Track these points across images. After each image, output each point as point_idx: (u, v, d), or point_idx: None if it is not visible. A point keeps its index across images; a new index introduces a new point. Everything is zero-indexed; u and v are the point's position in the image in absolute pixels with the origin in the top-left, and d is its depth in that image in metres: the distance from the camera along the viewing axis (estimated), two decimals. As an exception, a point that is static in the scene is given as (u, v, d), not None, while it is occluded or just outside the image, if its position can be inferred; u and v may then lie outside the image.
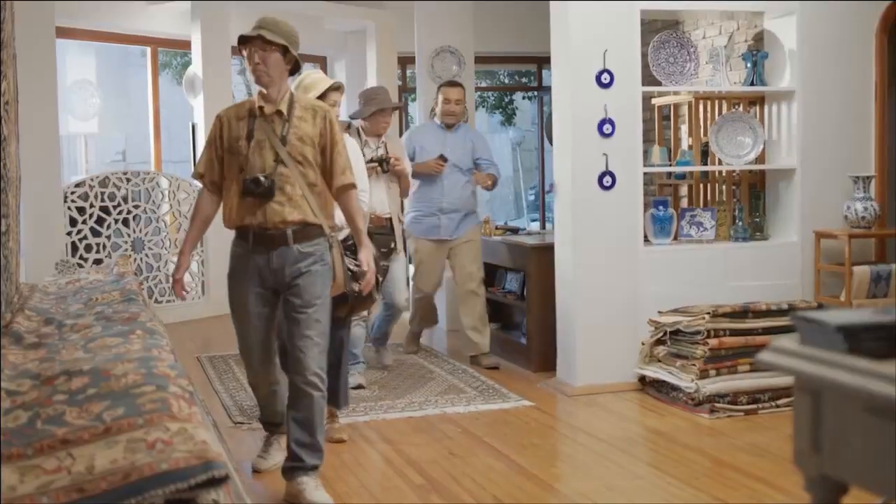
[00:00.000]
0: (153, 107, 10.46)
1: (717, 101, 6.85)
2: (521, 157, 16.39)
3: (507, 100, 15.55)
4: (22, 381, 2.76)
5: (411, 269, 7.25)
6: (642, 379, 5.98)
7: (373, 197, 5.75)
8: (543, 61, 11.89)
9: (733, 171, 6.65)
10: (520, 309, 7.21)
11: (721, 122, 6.43)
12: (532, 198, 16.03)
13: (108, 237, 8.74)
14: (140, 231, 8.98)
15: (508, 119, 15.86)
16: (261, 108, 4.07)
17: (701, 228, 6.33)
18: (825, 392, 2.05)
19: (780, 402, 5.47)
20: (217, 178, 4.17)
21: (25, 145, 5.31)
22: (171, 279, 4.06)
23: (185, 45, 9.99)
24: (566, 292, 6.06)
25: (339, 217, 4.33)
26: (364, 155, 5.72)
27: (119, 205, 8.82)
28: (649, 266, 6.02)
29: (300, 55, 4.15)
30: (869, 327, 1.99)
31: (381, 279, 4.90)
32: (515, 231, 7.83)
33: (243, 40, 4.06)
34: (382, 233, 6.07)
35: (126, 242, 8.87)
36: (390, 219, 6.20)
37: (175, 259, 9.18)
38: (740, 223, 6.41)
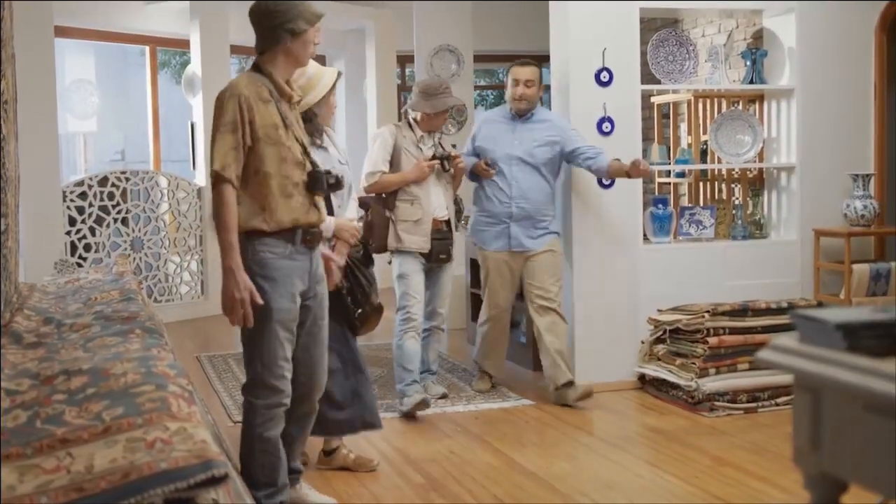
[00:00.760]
0: (152, 106, 10.46)
1: (716, 100, 6.84)
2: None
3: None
4: (21, 381, 2.76)
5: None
6: (642, 377, 5.98)
7: (431, 198, 5.56)
8: (543, 59, 11.89)
9: (732, 170, 6.65)
10: (519, 308, 7.20)
11: (720, 121, 6.43)
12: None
13: (108, 236, 8.74)
14: (139, 230, 8.98)
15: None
16: (290, 93, 3.72)
17: (700, 227, 6.33)
18: (825, 390, 2.05)
19: (779, 400, 5.47)
20: (240, 172, 3.53)
21: (24, 144, 5.31)
22: (231, 299, 3.48)
23: (184, 44, 9.99)
24: (566, 291, 6.05)
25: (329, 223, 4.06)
26: (422, 151, 5.59)
27: (118, 204, 8.81)
28: (649, 264, 6.01)
29: None
30: (868, 325, 1.99)
31: (365, 286, 4.46)
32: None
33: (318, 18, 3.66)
34: (440, 237, 5.63)
35: (125, 242, 8.87)
36: (448, 221, 5.72)
37: (174, 259, 9.23)
38: (740, 221, 6.41)
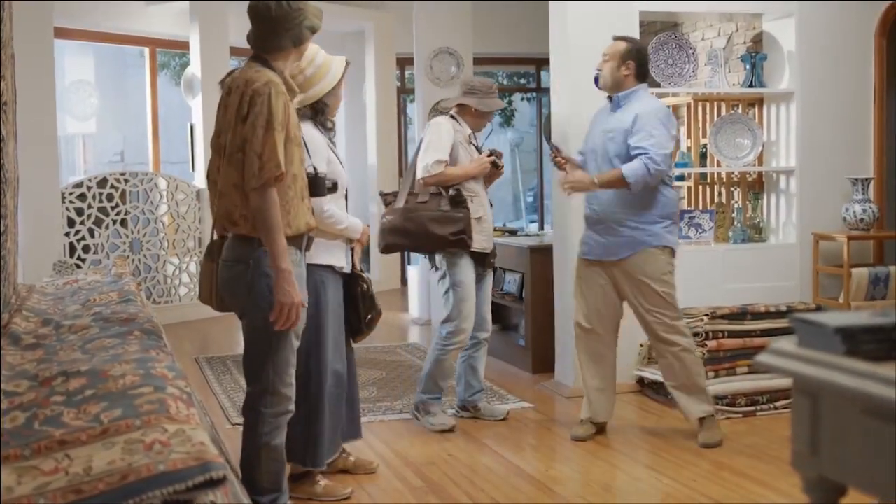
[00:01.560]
0: (151, 107, 10.46)
1: (715, 103, 6.85)
2: (520, 159, 16.40)
3: (505, 101, 15.55)
4: (20, 382, 2.75)
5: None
6: (641, 380, 5.98)
7: (484, 201, 5.33)
8: (542, 62, 11.93)
9: (732, 173, 6.65)
10: (518, 310, 7.21)
11: (720, 124, 6.43)
12: (531, 199, 16.02)
13: (107, 238, 8.74)
14: (138, 232, 8.98)
15: (507, 120, 15.86)
16: (296, 90, 3.69)
17: (700, 230, 6.33)
18: (824, 394, 2.05)
19: (778, 404, 5.47)
20: None
21: (24, 146, 5.30)
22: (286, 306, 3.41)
23: (184, 45, 10.00)
24: (564, 294, 6.05)
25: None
26: (472, 148, 5.35)
27: (117, 205, 8.82)
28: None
29: None
30: (867, 329, 1.99)
31: None
32: (514, 232, 7.83)
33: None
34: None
35: (124, 243, 8.87)
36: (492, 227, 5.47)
37: (173, 260, 9.23)
38: (739, 225, 6.42)
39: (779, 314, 5.58)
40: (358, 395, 4.61)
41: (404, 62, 11.54)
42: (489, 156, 5.32)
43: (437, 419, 5.27)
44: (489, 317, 5.50)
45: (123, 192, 8.87)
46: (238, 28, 9.79)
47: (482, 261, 5.35)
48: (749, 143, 6.39)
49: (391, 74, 11.24)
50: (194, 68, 9.68)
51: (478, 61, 10.06)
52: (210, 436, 2.52)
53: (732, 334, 5.52)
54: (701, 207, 6.78)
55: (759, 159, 6.50)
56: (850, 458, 1.99)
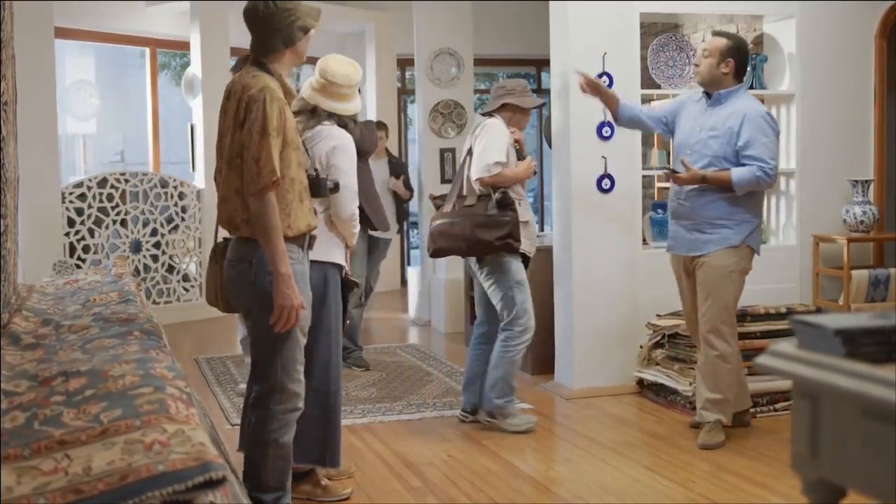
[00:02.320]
0: (152, 108, 10.46)
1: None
2: (520, 160, 16.41)
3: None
4: (19, 382, 2.75)
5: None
6: (640, 382, 5.98)
7: (527, 204, 5.35)
8: (543, 64, 11.93)
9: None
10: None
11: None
12: (531, 200, 16.00)
13: (106, 238, 8.74)
14: (138, 232, 8.98)
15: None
16: (293, 92, 3.71)
17: (699, 232, 6.32)
18: (823, 396, 2.04)
19: (777, 405, 5.47)
20: None
21: (24, 146, 5.30)
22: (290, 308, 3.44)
23: (184, 45, 10.01)
24: (564, 295, 6.06)
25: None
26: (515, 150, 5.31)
27: (117, 205, 8.82)
28: (648, 269, 6.01)
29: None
30: (867, 331, 1.99)
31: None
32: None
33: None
34: None
35: (124, 243, 8.87)
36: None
37: (174, 261, 9.23)
38: (739, 226, 6.40)
39: (779, 316, 5.58)
40: None
41: (405, 63, 11.54)
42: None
43: (520, 419, 5.28)
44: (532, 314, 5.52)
45: (123, 192, 8.87)
46: (238, 29, 9.77)
47: (526, 263, 5.36)
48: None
49: (391, 75, 11.24)
50: (195, 69, 9.68)
51: (478, 62, 10.06)
52: (210, 436, 2.52)
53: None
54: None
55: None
56: (850, 460, 1.99)
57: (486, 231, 5.09)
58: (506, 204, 5.12)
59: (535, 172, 5.39)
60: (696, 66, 5.04)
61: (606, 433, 5.20)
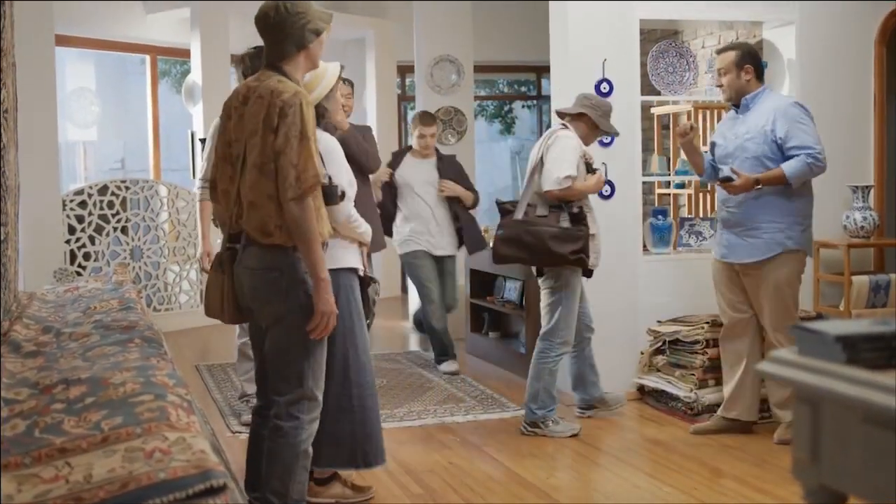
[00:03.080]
0: (152, 115, 10.47)
1: (716, 111, 6.86)
2: (521, 166, 16.40)
3: (506, 108, 15.58)
4: (20, 390, 2.76)
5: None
6: (641, 388, 5.98)
7: (595, 217, 5.32)
8: (543, 70, 11.94)
9: (732, 181, 6.64)
10: (519, 318, 7.21)
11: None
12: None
13: (107, 245, 8.74)
14: (139, 239, 8.98)
15: (508, 128, 15.88)
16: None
17: (700, 238, 6.33)
18: (824, 402, 2.05)
19: (778, 411, 5.46)
20: None
21: (24, 153, 5.31)
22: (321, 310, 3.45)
23: (185, 53, 10.02)
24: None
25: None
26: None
27: (118, 213, 8.82)
28: (648, 275, 6.01)
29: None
30: (868, 337, 1.99)
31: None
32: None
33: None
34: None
35: (125, 251, 8.87)
36: None
37: (173, 268, 9.23)
38: (739, 232, 6.40)
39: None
40: None
41: (405, 70, 11.55)
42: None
43: (563, 426, 5.28)
44: (591, 313, 5.59)
45: (124, 199, 8.87)
46: (239, 36, 9.81)
47: (588, 275, 5.40)
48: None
49: (392, 82, 11.25)
50: (195, 76, 9.69)
51: (478, 69, 10.08)
52: (210, 444, 2.52)
53: (733, 342, 5.51)
54: (701, 215, 6.78)
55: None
56: (851, 466, 1.99)
57: (560, 244, 5.08)
58: (579, 219, 5.14)
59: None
60: (720, 87, 5.12)
61: (607, 440, 5.20)
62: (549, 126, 7.38)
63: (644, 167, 6.29)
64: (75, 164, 12.62)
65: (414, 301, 9.38)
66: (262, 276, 3.48)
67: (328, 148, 3.99)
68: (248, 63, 4.97)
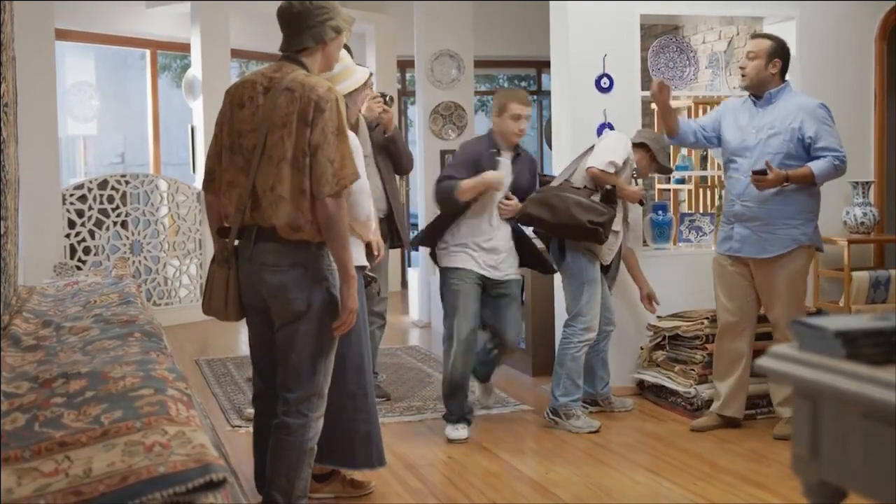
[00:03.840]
0: (152, 109, 10.47)
1: (716, 106, 6.85)
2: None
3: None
4: (20, 384, 2.76)
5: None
6: (641, 383, 5.98)
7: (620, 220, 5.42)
8: (543, 65, 11.93)
9: (732, 176, 6.64)
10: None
11: (720, 127, 6.42)
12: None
13: (107, 240, 8.74)
14: (138, 234, 8.98)
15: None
16: None
17: (700, 233, 6.33)
18: (824, 398, 2.04)
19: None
20: None
21: (24, 147, 5.31)
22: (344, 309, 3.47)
23: (185, 47, 10.01)
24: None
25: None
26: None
27: (118, 207, 8.82)
28: (648, 271, 6.00)
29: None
30: (868, 333, 1.99)
31: None
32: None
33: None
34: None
35: (124, 245, 8.87)
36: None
37: (173, 262, 9.23)
38: (739, 228, 6.40)
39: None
40: None
41: (405, 64, 11.55)
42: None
43: (582, 421, 5.27)
44: (613, 307, 5.64)
45: (124, 193, 8.87)
46: (239, 30, 9.82)
47: (605, 270, 5.49)
48: (750, 147, 6.38)
49: (392, 77, 11.24)
50: (195, 70, 9.68)
51: (479, 64, 10.07)
52: (210, 438, 2.52)
53: (733, 337, 5.51)
54: (701, 210, 6.79)
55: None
56: (851, 462, 1.99)
57: (583, 211, 5.09)
58: (610, 199, 5.18)
59: (641, 203, 5.60)
60: (742, 69, 5.08)
61: (607, 435, 5.20)
62: (549, 121, 7.38)
63: (644, 162, 6.28)
64: (75, 158, 12.61)
65: (414, 299, 9.39)
66: (286, 273, 3.42)
67: (354, 146, 4.01)
68: None
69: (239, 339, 8.07)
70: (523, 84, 14.29)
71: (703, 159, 6.75)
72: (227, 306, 3.58)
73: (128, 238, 8.91)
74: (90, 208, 8.64)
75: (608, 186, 5.18)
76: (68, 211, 8.50)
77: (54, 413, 2.44)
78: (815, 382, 2.01)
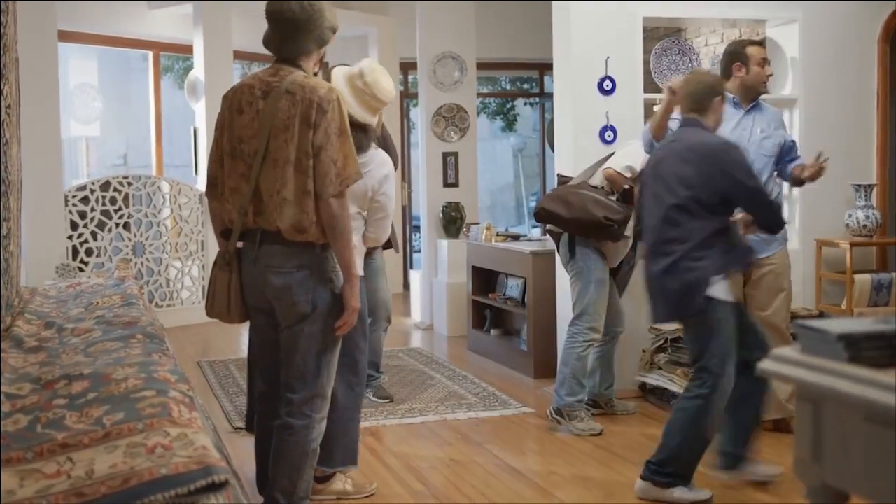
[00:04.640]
0: (155, 111, 10.47)
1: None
2: (523, 164, 16.39)
3: (508, 106, 15.55)
4: (22, 385, 2.76)
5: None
6: (643, 386, 5.98)
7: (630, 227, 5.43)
8: (545, 68, 11.93)
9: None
10: (520, 315, 7.21)
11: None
12: (533, 204, 16.01)
13: (109, 241, 8.75)
14: (141, 235, 8.99)
15: (510, 125, 15.85)
16: None
17: (702, 236, 6.31)
18: (826, 401, 2.04)
19: (780, 410, 5.46)
20: None
21: (27, 149, 5.30)
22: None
23: (187, 49, 10.01)
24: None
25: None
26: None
27: (120, 209, 8.83)
28: (650, 273, 6.00)
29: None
30: (870, 336, 1.99)
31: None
32: (516, 237, 7.83)
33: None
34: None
35: (127, 246, 8.88)
36: None
37: (175, 264, 9.24)
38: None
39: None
40: None
41: (407, 67, 11.54)
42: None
43: (585, 424, 5.27)
44: (623, 311, 5.64)
45: (126, 195, 8.88)
46: (242, 32, 9.81)
47: (614, 273, 5.52)
48: (752, 149, 6.38)
49: (394, 79, 11.25)
50: (198, 72, 9.69)
51: (481, 66, 10.06)
52: (212, 440, 2.52)
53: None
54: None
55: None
56: (853, 464, 1.99)
57: (599, 208, 5.16)
58: (626, 200, 5.23)
59: None
60: (770, 76, 5.16)
61: (609, 437, 5.20)
62: (551, 123, 7.38)
63: (646, 165, 6.28)
64: (78, 159, 12.61)
65: (416, 301, 9.39)
66: (292, 275, 3.42)
67: (391, 173, 4.12)
68: None
69: (241, 340, 8.06)
70: (525, 86, 14.29)
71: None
72: (229, 309, 3.59)
73: (130, 239, 8.92)
74: (93, 210, 8.64)
75: (626, 186, 5.21)
76: (71, 212, 8.51)
77: (56, 415, 2.44)
78: (818, 385, 2.01)
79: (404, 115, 11.98)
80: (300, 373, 3.51)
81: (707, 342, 4.05)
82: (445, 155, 9.30)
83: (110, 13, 9.90)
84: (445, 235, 8.96)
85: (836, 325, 2.05)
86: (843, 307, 6.04)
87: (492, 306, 7.64)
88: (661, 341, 5.77)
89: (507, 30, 11.61)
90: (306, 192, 3.34)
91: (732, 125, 5.06)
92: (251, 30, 10.85)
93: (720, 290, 4.03)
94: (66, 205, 8.46)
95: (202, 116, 9.58)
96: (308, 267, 3.43)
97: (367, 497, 4.28)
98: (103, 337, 3.49)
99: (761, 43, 5.43)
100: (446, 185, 9.22)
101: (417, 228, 11.92)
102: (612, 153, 5.45)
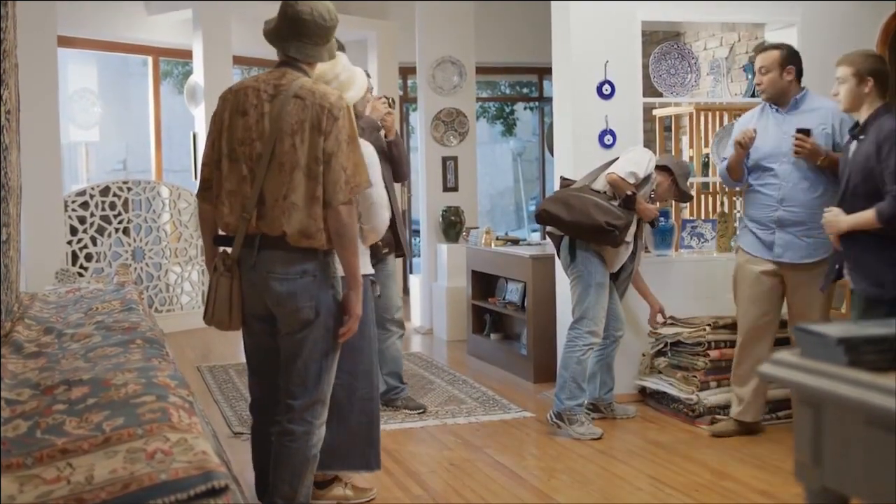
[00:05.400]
0: (154, 116, 10.48)
1: (717, 113, 6.85)
2: (522, 168, 16.39)
3: (507, 110, 15.56)
4: (22, 391, 2.76)
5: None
6: (643, 390, 5.97)
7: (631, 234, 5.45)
8: (544, 72, 11.94)
9: (734, 183, 6.63)
10: (520, 320, 7.21)
11: (722, 134, 6.42)
12: (533, 208, 16.01)
13: (109, 246, 8.75)
14: (140, 240, 8.99)
15: (509, 129, 15.86)
16: None
17: (702, 240, 6.32)
18: (826, 405, 2.04)
19: (780, 413, 5.46)
20: None
21: (26, 154, 5.31)
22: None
23: (187, 54, 10.02)
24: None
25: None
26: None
27: (119, 214, 8.83)
28: (650, 277, 6.00)
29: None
30: (870, 340, 1.99)
31: None
32: (516, 242, 7.83)
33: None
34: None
35: (126, 252, 8.88)
36: None
37: (175, 269, 9.23)
38: (741, 234, 6.40)
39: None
40: None
41: (407, 71, 11.55)
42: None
43: (585, 428, 5.27)
44: (623, 314, 5.63)
45: (126, 200, 8.88)
46: (241, 36, 9.82)
47: (614, 277, 5.52)
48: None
49: (394, 83, 11.25)
50: (197, 77, 9.69)
51: (480, 70, 10.07)
52: (212, 445, 2.52)
53: (735, 344, 5.50)
54: (703, 217, 6.78)
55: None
56: (853, 468, 1.99)
57: (601, 212, 5.16)
58: (628, 206, 5.23)
59: (652, 224, 5.65)
60: (758, 85, 5.08)
61: (609, 441, 5.20)
62: (550, 127, 7.38)
63: (646, 169, 6.28)
64: (77, 165, 12.61)
65: (416, 306, 9.38)
66: (296, 281, 3.39)
67: (371, 162, 4.02)
68: None
69: (240, 345, 8.00)
70: (525, 90, 14.29)
71: (705, 166, 6.74)
72: (231, 316, 3.52)
73: (129, 245, 8.92)
74: (92, 215, 8.64)
75: (628, 192, 5.22)
76: (70, 217, 8.51)
77: (56, 420, 2.44)
78: (818, 389, 2.01)
79: (404, 119, 11.99)
80: (301, 379, 3.49)
81: None
82: (445, 159, 9.30)
83: (110, 18, 9.91)
84: (445, 240, 8.97)
85: (837, 329, 2.05)
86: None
87: (491, 310, 7.64)
88: (661, 345, 5.77)
89: (507, 34, 11.62)
90: (315, 198, 3.32)
91: (774, 125, 5.06)
92: (250, 35, 10.85)
93: None
94: (66, 210, 8.46)
95: (201, 121, 9.57)
96: (311, 273, 3.40)
97: (366, 502, 4.27)
98: (103, 342, 3.49)
99: (755, 49, 5.44)
100: (446, 189, 9.22)
101: (417, 233, 11.92)
102: (616, 158, 5.44)
